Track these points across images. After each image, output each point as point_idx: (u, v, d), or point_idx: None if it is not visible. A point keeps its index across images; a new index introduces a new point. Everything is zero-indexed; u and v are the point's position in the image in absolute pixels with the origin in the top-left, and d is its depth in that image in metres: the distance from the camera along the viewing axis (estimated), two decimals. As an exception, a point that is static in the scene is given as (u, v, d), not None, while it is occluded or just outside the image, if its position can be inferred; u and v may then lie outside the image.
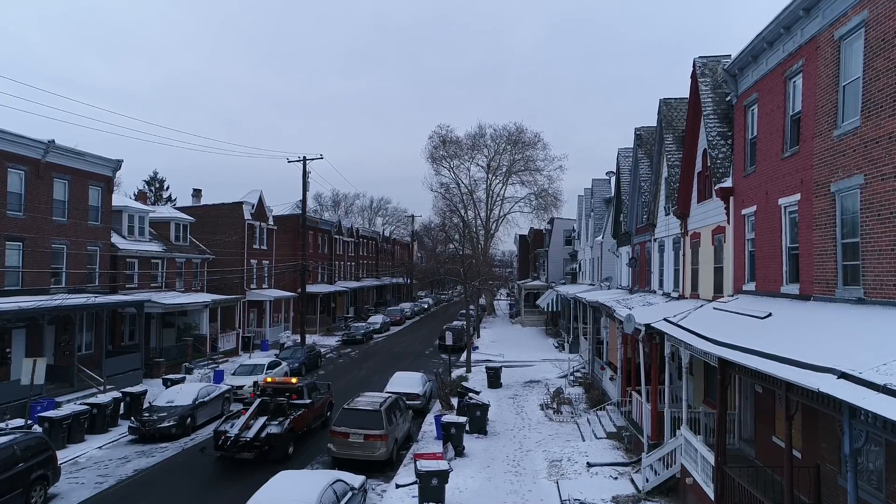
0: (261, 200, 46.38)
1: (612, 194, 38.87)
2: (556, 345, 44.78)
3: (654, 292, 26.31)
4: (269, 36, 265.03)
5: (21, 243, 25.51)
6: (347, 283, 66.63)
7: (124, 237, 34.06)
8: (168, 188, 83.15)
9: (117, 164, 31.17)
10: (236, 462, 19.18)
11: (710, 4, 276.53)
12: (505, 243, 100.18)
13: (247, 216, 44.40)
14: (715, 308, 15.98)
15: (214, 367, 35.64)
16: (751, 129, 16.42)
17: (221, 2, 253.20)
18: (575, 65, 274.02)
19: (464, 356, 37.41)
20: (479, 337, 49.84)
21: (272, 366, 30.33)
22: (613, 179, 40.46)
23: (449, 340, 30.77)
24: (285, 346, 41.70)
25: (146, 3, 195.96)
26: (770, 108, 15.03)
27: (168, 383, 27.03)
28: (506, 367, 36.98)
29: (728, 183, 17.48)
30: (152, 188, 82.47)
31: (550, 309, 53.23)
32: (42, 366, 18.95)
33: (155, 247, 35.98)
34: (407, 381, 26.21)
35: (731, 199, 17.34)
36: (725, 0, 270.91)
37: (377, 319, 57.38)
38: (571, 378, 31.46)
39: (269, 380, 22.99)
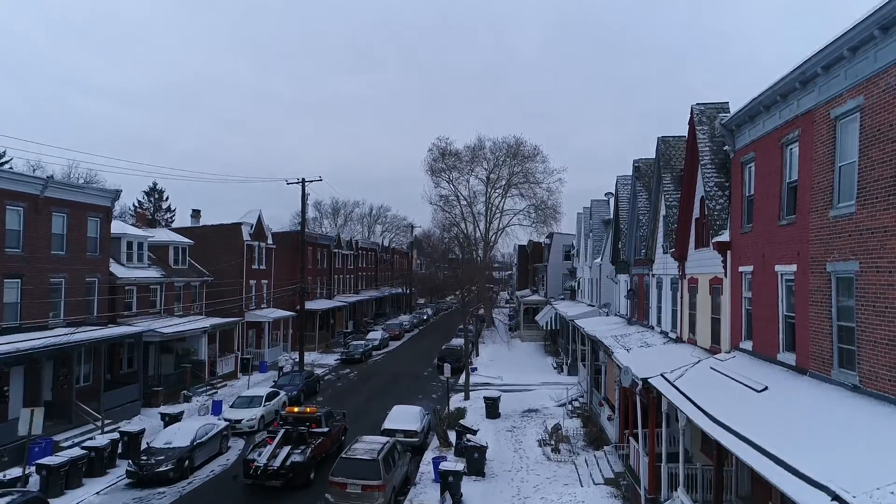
0: (259, 220, 46.38)
1: (611, 216, 38.86)
2: (555, 365, 44.79)
3: (652, 328, 26.33)
4: (270, 36, 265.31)
5: (20, 280, 25.52)
6: (346, 297, 66.63)
7: (123, 264, 34.06)
8: (168, 199, 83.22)
9: (116, 195, 31.19)
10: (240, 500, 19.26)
11: (714, 5, 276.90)
12: (505, 247, 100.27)
13: (245, 237, 44.39)
14: (712, 368, 15.99)
15: (213, 394, 35.68)
16: (748, 187, 16.44)
17: (223, 2, 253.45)
18: (578, 66, 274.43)
19: (462, 378, 37.46)
20: (477, 356, 49.81)
21: (270, 396, 30.33)
22: (612, 202, 40.51)
23: (447, 372, 30.78)
24: (283, 369, 41.73)
25: (146, 2, 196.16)
26: (767, 170, 15.03)
27: (166, 418, 27.00)
28: (504, 391, 36.96)
29: (725, 237, 17.49)
30: (151, 199, 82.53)
31: (549, 327, 53.34)
32: (39, 416, 18.96)
33: (154, 273, 35.97)
34: (405, 417, 26.21)
35: (729, 253, 17.36)
36: (729, 2, 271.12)
37: (376, 336, 57.34)
38: (570, 408, 31.46)
39: (291, 409, 25.19)
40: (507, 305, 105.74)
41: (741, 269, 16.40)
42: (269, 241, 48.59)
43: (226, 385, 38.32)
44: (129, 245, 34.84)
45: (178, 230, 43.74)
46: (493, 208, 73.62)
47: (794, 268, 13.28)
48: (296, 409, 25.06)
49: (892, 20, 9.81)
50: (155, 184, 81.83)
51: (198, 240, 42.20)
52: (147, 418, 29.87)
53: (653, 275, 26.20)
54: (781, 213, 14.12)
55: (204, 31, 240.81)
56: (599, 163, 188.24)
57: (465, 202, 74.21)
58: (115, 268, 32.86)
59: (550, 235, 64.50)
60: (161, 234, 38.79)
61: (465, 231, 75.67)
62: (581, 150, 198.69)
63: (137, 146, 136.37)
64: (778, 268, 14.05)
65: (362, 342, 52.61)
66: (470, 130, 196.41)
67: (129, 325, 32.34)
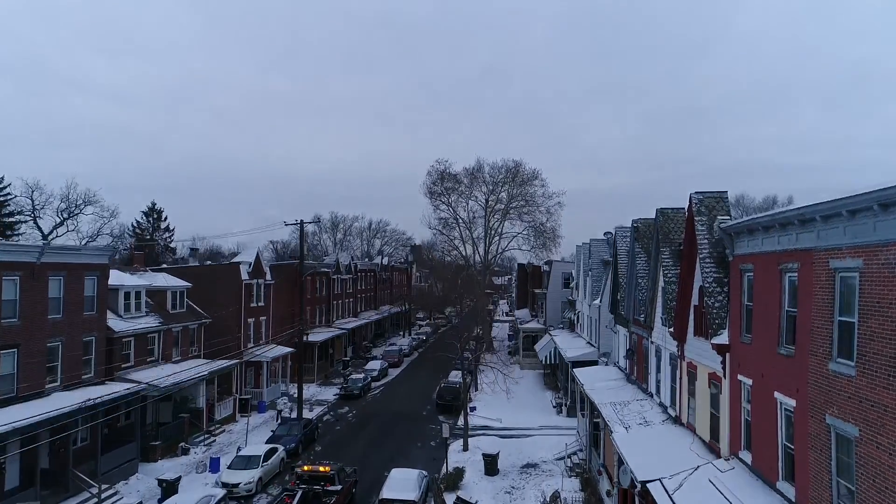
0: (258, 258, 46.27)
1: (610, 258, 38.79)
2: (555, 404, 44.69)
3: (651, 395, 26.23)
4: (270, 37, 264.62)
5: (16, 350, 25.38)
6: (346, 322, 66.51)
7: (120, 315, 33.95)
8: (166, 219, 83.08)
9: (112, 252, 31.14)
10: None
11: (716, 4, 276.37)
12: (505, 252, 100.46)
13: (244, 276, 44.25)
14: (711, 481, 15.88)
15: (211, 442, 35.63)
16: (746, 296, 16.30)
17: (223, 2, 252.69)
18: (580, 66, 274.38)
19: (461, 420, 37.48)
20: (476, 390, 49.69)
21: (268, 455, 30.15)
22: (611, 241, 40.46)
23: (446, 432, 30.74)
24: (282, 413, 41.64)
25: (146, 3, 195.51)
26: (766, 288, 14.89)
27: (163, 485, 26.86)
28: (503, 436, 37.07)
29: (724, 339, 17.35)
30: (150, 219, 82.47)
31: (549, 361, 53.31)
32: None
33: (151, 321, 35.86)
34: (403, 484, 26.15)
35: (728, 356, 17.25)
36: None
37: (375, 365, 57.33)
38: (569, 463, 31.42)
39: (307, 468, 26.23)
40: (507, 319, 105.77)
41: (740, 377, 16.29)
42: (268, 276, 48.47)
43: (224, 431, 38.23)
44: (127, 295, 34.73)
45: (176, 271, 43.56)
46: (493, 231, 73.67)
47: (793, 402, 13.17)
48: (319, 468, 25.88)
49: (892, 201, 9.71)
50: (153, 203, 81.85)
51: (196, 280, 42.01)
52: (144, 477, 29.83)
53: (652, 342, 26.11)
54: (781, 339, 14.00)
55: (204, 31, 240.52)
56: (605, 162, 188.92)
57: (464, 224, 74.35)
58: (112, 321, 32.73)
59: (549, 263, 64.38)
60: (159, 280, 38.65)
61: (464, 254, 75.81)
62: (588, 149, 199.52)
63: (136, 146, 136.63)
64: (777, 395, 13.94)
65: (361, 375, 52.43)
66: (471, 132, 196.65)
67: (128, 379, 32.22)
